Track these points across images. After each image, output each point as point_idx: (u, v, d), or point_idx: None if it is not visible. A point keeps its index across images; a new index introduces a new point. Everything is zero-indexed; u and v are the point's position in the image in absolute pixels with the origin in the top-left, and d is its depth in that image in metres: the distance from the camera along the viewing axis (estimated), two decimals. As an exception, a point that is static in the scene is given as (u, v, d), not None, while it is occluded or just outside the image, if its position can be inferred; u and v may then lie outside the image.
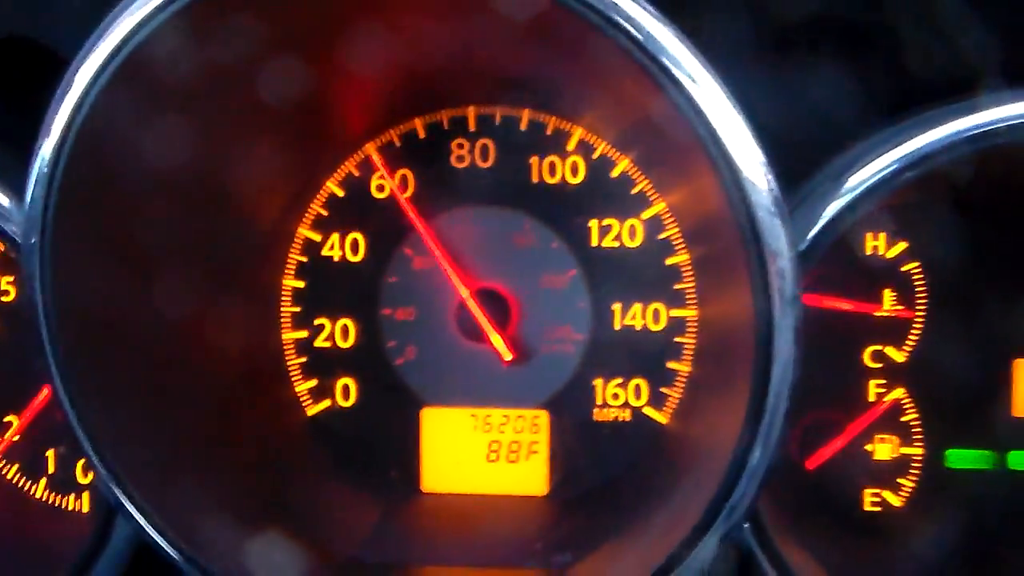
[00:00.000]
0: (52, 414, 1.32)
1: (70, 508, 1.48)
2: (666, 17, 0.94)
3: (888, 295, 1.34)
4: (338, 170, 1.41)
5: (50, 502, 1.49)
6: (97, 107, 1.01)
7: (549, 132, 1.36)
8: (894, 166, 1.04)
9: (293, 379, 1.44)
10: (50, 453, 1.48)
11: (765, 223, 0.95)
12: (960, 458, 1.34)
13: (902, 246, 1.32)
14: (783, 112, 1.07)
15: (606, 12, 0.93)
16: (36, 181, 1.03)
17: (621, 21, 0.93)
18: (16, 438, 1.47)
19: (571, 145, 1.36)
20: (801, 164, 1.09)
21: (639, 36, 0.94)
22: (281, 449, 1.39)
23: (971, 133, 1.02)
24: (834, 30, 1.11)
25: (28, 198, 1.04)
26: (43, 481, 1.49)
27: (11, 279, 1.45)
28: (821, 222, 1.06)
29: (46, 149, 1.02)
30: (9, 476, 1.49)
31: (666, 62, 0.94)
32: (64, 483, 1.48)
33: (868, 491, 1.37)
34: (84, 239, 1.08)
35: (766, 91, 1.02)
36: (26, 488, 1.49)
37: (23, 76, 1.18)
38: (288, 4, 1.08)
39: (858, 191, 1.05)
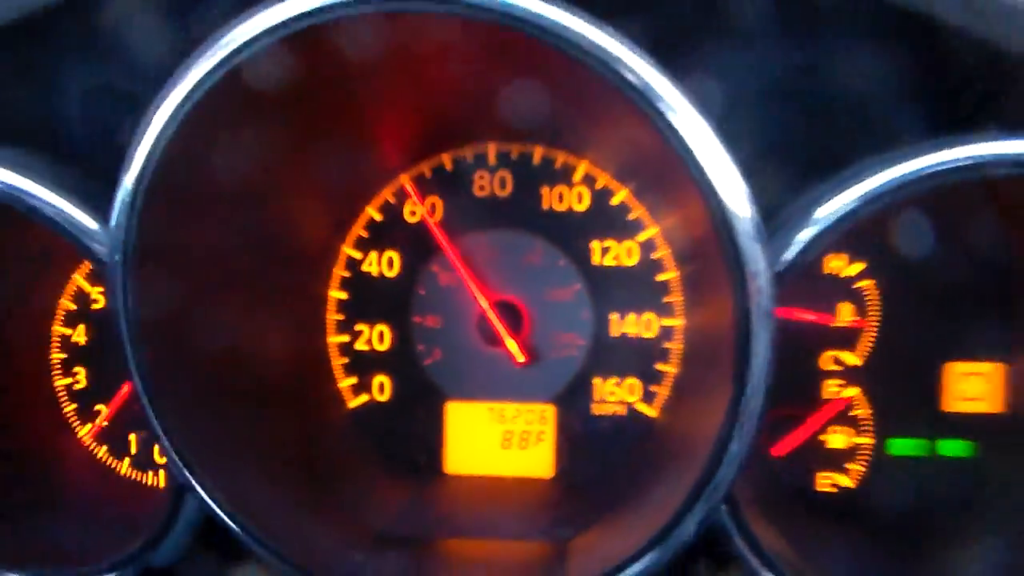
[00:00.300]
0: (133, 405, 1.30)
1: (149, 484, 1.46)
2: (663, 69, 0.92)
3: (845, 308, 1.32)
4: (377, 197, 1.39)
5: (133, 478, 1.46)
6: (172, 146, 0.99)
7: (558, 166, 1.35)
8: (857, 201, 1.02)
9: (336, 377, 1.42)
10: (132, 437, 1.46)
11: (746, 246, 0.94)
12: (900, 446, 1.33)
13: (858, 267, 1.31)
14: (762, 153, 1.04)
15: (612, 65, 0.91)
16: (119, 209, 1.01)
17: (624, 73, 0.91)
18: (105, 424, 1.45)
19: (577, 177, 1.34)
20: (777, 198, 1.08)
21: (639, 86, 0.91)
22: (325, 437, 1.38)
23: (916, 175, 1.00)
24: (800, 90, 1.09)
25: (112, 223, 1.02)
26: (127, 460, 1.47)
27: (100, 290, 1.43)
28: (794, 248, 1.04)
29: (127, 181, 1.00)
30: (99, 456, 1.47)
31: (662, 109, 0.92)
32: (144, 462, 1.46)
33: (822, 475, 1.35)
34: (159, 258, 1.06)
35: (748, 135, 0.98)
36: (113, 466, 1.47)
37: (107, 118, 1.16)
38: (338, 63, 1.06)
39: (827, 222, 1.03)
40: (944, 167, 1.00)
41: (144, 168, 1.00)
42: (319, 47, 0.99)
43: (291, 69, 1.02)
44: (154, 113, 0.98)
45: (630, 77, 0.91)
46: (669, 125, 0.92)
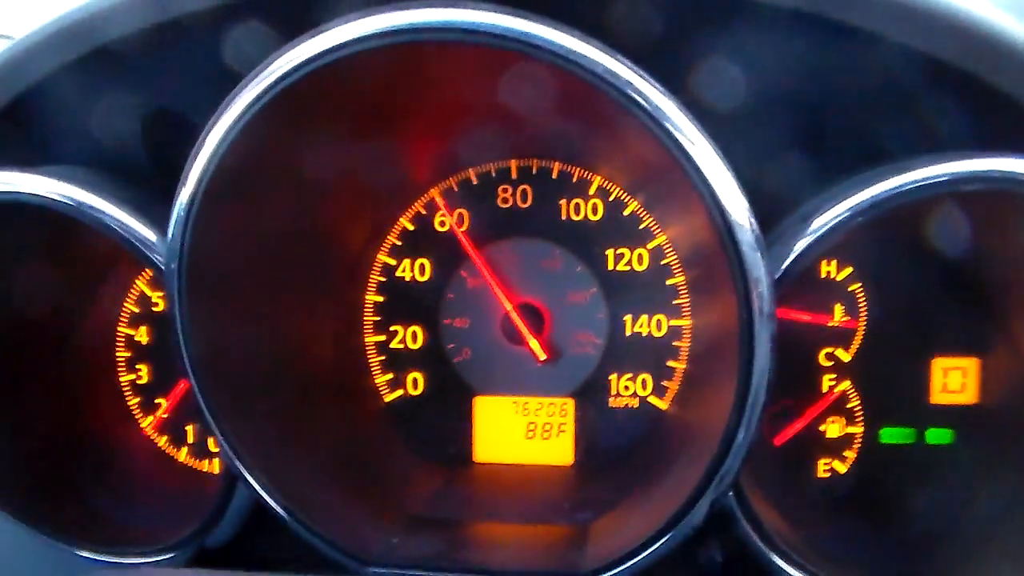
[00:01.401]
0: (189, 400, 1.31)
1: (205, 471, 1.46)
2: (670, 92, 0.92)
3: (838, 309, 1.30)
4: (409, 209, 1.39)
5: (190, 466, 1.47)
6: (223, 164, 1.00)
7: (575, 180, 1.34)
8: (847, 212, 1.02)
9: (374, 373, 1.42)
10: (189, 428, 1.46)
11: (748, 256, 0.93)
12: (891, 435, 1.31)
13: (849, 271, 1.29)
14: (763, 168, 1.04)
15: (623, 89, 0.91)
16: (176, 221, 1.02)
17: (635, 96, 0.91)
18: (164, 416, 1.45)
19: (592, 190, 1.33)
20: (776, 209, 1.08)
21: (649, 108, 0.91)
22: (364, 429, 1.38)
23: (905, 188, 1.01)
24: (803, 106, 1.08)
25: (169, 234, 1.02)
26: (184, 449, 1.47)
27: (160, 294, 1.43)
28: (792, 255, 1.03)
29: (184, 196, 1.01)
30: (160, 445, 1.47)
31: (671, 128, 0.91)
32: (200, 452, 1.46)
33: (821, 461, 1.34)
34: (213, 266, 1.07)
35: (750, 151, 0.99)
36: (172, 454, 1.48)
37: (163, 140, 1.18)
38: (377, 88, 1.08)
39: (820, 231, 1.03)
40: (924, 182, 1.00)
41: (198, 184, 1.00)
42: (358, 74, 0.99)
43: (333, 95, 1.03)
44: (208, 135, 0.99)
45: (639, 100, 0.91)
46: (676, 143, 0.92)
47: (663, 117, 0.91)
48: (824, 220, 1.03)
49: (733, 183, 0.93)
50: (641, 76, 0.91)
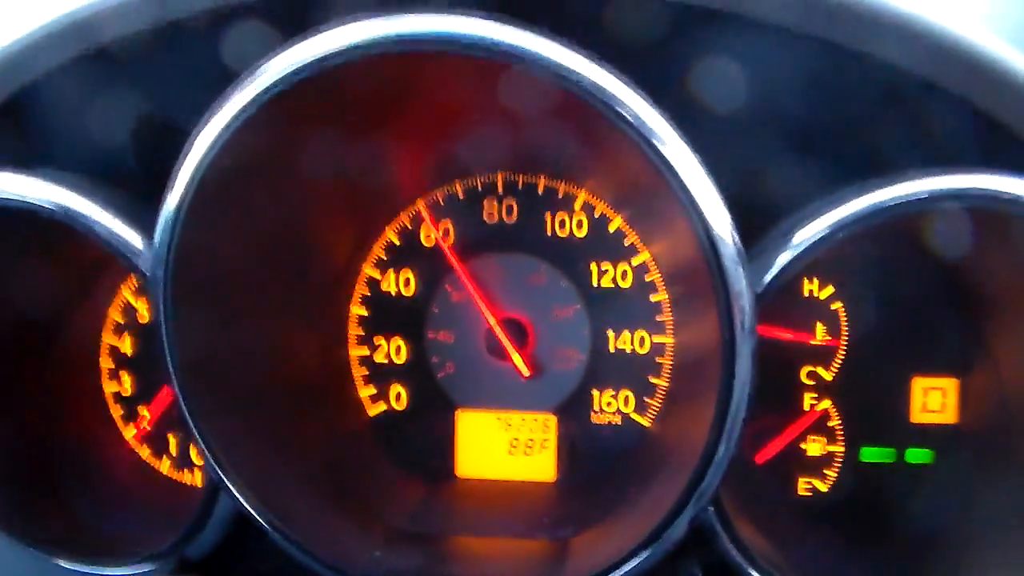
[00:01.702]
0: (172, 410, 1.30)
1: (187, 482, 1.45)
2: (656, 102, 0.93)
3: (820, 327, 1.30)
4: (395, 222, 1.38)
5: (171, 477, 1.46)
6: (209, 173, 0.99)
7: (560, 195, 1.33)
8: (828, 229, 1.02)
9: (357, 386, 1.41)
10: (172, 439, 1.45)
11: (730, 271, 0.94)
12: (871, 454, 1.32)
13: (831, 289, 1.29)
14: (747, 181, 1.04)
15: (608, 102, 0.91)
16: (162, 228, 1.02)
17: (620, 109, 0.91)
18: (147, 427, 1.44)
19: (577, 205, 1.33)
20: (758, 225, 1.08)
21: (634, 121, 0.92)
22: (347, 442, 1.37)
23: (886, 204, 1.01)
24: (790, 119, 1.09)
25: (155, 241, 1.02)
26: (166, 460, 1.46)
27: (145, 304, 1.42)
28: (773, 270, 1.03)
29: (170, 203, 1.00)
30: (142, 455, 1.46)
31: (656, 143, 0.92)
32: (182, 462, 1.45)
33: (801, 479, 1.34)
34: (197, 274, 1.06)
35: (734, 164, 0.99)
36: (154, 465, 1.46)
37: (151, 144, 1.17)
38: (363, 99, 1.08)
39: (802, 247, 1.03)
40: (906, 199, 1.00)
41: (185, 191, 1.00)
42: (347, 81, 0.99)
43: (321, 102, 1.02)
44: (194, 141, 0.99)
45: (625, 113, 0.91)
46: (660, 156, 0.92)
47: (648, 131, 0.92)
48: (806, 235, 1.03)
49: (717, 197, 0.93)
50: (627, 88, 0.91)
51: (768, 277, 1.03)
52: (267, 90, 0.95)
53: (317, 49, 0.94)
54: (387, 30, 0.92)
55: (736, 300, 0.94)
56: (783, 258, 1.03)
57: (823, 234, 1.02)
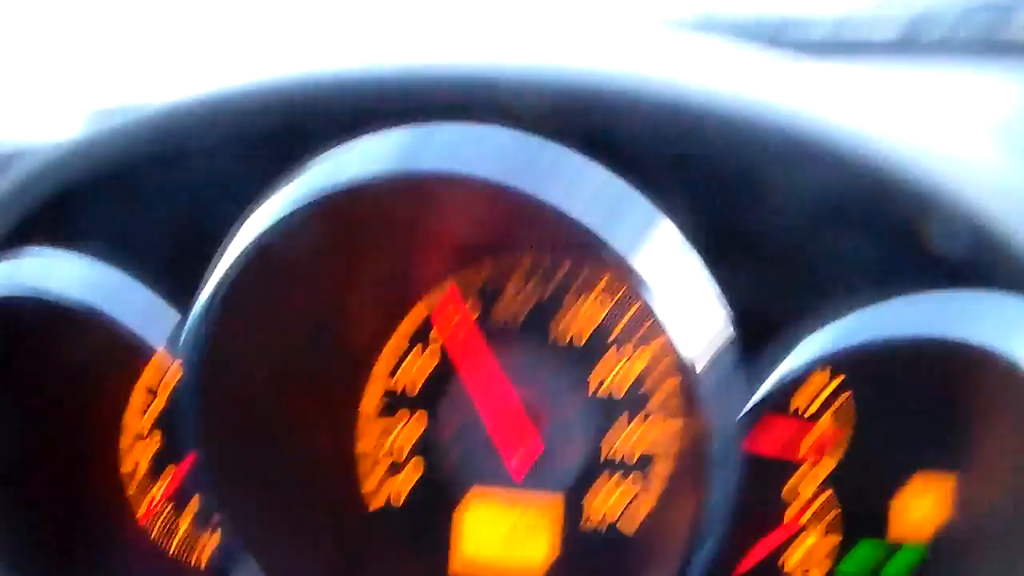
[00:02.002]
0: (184, 491, 1.39)
1: (193, 564, 1.49)
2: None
3: (806, 443, 1.30)
4: (410, 315, 1.41)
5: (179, 557, 1.49)
6: (237, 284, 1.08)
7: (581, 281, 1.35)
8: (805, 366, 1.06)
9: (362, 479, 1.44)
10: (181, 520, 1.49)
11: (710, 398, 0.99)
12: (857, 559, 1.30)
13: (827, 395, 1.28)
14: (748, 296, 1.08)
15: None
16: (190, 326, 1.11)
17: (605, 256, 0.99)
18: (158, 508, 1.49)
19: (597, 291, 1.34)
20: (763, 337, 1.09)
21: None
22: (351, 532, 1.40)
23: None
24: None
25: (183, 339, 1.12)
26: (175, 540, 1.50)
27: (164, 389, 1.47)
28: (764, 388, 1.07)
29: (197, 307, 1.10)
30: (152, 535, 1.51)
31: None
32: (191, 544, 1.49)
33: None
34: (226, 368, 1.14)
35: (736, 277, 1.05)
36: (162, 545, 1.51)
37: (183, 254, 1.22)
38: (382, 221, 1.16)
39: (784, 381, 1.07)
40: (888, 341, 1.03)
41: (212, 297, 1.08)
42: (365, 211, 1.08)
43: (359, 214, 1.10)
44: (221, 258, 1.07)
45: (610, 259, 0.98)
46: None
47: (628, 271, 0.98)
48: (785, 370, 1.06)
49: (704, 323, 0.99)
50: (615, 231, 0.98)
51: (759, 396, 1.07)
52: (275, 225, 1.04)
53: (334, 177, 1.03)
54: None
55: (714, 422, 0.99)
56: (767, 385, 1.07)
57: (801, 373, 1.06)
